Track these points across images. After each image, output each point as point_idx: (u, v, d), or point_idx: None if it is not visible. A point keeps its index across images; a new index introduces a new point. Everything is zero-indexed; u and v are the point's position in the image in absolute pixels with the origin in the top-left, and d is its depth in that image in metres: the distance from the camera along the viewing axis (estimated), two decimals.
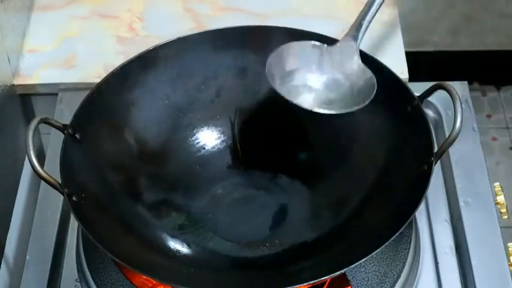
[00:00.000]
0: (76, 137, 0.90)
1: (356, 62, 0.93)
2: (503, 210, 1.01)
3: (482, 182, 1.03)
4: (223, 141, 1.03)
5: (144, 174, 0.97)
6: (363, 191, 0.95)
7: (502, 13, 1.94)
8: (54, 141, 1.05)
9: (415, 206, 0.83)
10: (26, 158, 1.04)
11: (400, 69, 1.13)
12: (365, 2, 0.94)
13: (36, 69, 1.16)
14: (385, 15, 1.19)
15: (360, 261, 0.81)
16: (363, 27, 0.94)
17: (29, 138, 0.84)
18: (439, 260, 0.97)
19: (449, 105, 0.87)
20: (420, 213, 1.01)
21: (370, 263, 0.92)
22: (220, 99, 1.02)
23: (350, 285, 0.91)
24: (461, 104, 0.86)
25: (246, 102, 1.02)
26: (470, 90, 1.13)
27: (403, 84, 0.94)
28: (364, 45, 0.96)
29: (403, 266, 0.93)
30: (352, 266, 0.81)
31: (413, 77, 1.13)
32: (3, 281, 0.98)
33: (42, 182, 0.89)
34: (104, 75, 0.96)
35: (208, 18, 1.22)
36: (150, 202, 0.96)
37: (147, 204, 0.96)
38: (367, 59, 0.95)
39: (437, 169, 0.98)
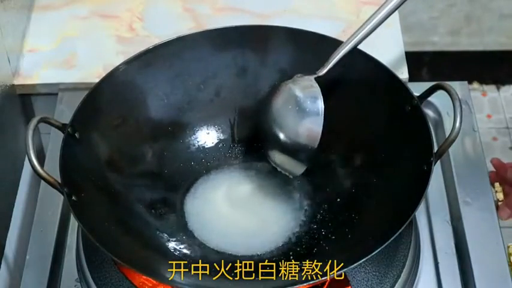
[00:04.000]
0: (76, 137, 0.90)
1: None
2: None
3: (482, 182, 1.03)
4: (222, 140, 1.03)
5: (144, 174, 0.97)
6: (363, 191, 0.94)
7: (502, 13, 1.94)
8: (54, 141, 1.05)
9: (415, 206, 0.83)
10: (26, 158, 1.04)
11: (400, 69, 1.13)
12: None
13: (36, 69, 1.16)
14: None
15: (359, 262, 0.81)
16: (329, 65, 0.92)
17: (29, 138, 0.84)
18: (439, 260, 0.97)
19: (449, 105, 0.87)
20: (420, 213, 1.01)
21: (370, 263, 0.92)
22: (219, 98, 1.02)
23: (350, 285, 0.91)
24: (460, 104, 0.86)
25: (245, 102, 1.02)
26: (470, 90, 1.13)
27: (403, 84, 0.94)
28: (365, 45, 0.96)
29: (403, 266, 0.93)
30: (352, 266, 0.81)
31: (413, 77, 1.13)
32: (3, 281, 0.98)
33: (42, 182, 0.89)
34: (104, 75, 0.96)
35: (208, 18, 1.22)
36: (149, 202, 0.96)
37: (147, 204, 0.95)
38: (367, 59, 0.95)
39: (437, 169, 0.98)
